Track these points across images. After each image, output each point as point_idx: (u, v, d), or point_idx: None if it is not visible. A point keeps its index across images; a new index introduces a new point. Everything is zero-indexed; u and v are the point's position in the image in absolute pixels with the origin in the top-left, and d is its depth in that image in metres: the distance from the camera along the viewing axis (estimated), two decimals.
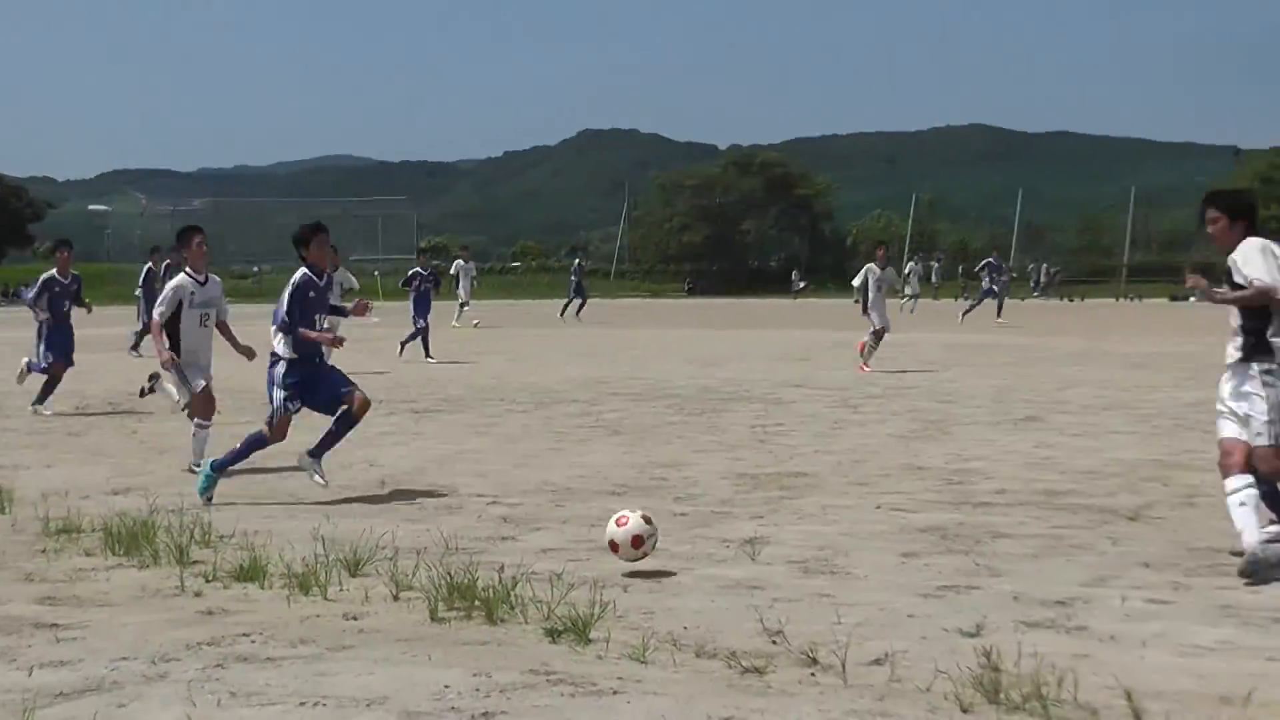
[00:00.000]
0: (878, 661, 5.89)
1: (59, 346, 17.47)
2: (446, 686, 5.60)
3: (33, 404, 16.92)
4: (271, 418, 10.60)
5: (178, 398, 12.78)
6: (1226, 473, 7.68)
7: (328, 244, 10.97)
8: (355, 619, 6.82)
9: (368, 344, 28.74)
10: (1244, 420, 7.67)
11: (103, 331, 30.19)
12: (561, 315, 46.65)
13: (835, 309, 55.45)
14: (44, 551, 8.51)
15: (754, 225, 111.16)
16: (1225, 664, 5.86)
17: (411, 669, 5.89)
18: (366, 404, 10.64)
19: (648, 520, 7.79)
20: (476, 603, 6.88)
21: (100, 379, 22.11)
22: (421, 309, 27.12)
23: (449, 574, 7.24)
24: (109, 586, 7.59)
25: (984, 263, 44.67)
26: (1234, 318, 7.80)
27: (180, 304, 11.87)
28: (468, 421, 15.79)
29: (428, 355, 26.18)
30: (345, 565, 7.81)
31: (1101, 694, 5.37)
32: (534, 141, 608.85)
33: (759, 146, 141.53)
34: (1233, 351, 7.78)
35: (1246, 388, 7.69)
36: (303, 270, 10.69)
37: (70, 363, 17.76)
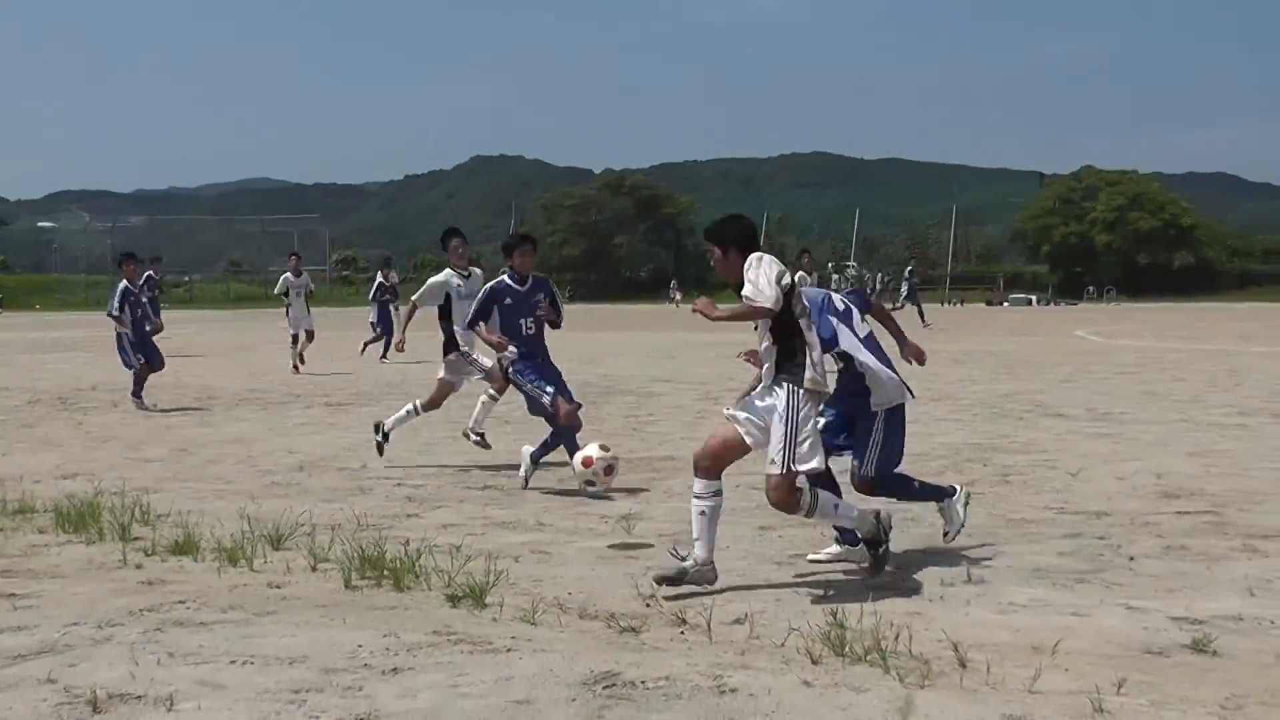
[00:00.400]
0: (739, 621, 5.95)
1: (150, 349, 16.94)
2: (360, 646, 5.57)
3: (131, 394, 16.61)
4: (546, 407, 10.10)
5: (478, 373, 11.79)
6: (699, 472, 6.66)
7: (532, 254, 10.57)
8: (278, 588, 6.75)
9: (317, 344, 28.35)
10: (759, 436, 6.54)
11: (56, 334, 29.48)
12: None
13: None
14: (2, 530, 8.31)
15: (626, 240, 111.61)
16: (1036, 619, 5.99)
17: (329, 631, 5.85)
18: (573, 414, 10.03)
19: (604, 448, 8.52)
20: (385, 572, 6.84)
21: (51, 376, 21.63)
22: (384, 317, 26.37)
23: (361, 548, 7.19)
24: (60, 560, 7.44)
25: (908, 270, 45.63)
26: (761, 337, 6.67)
27: (449, 298, 11.52)
28: (375, 413, 15.62)
29: (383, 357, 25.70)
30: (269, 540, 7.72)
31: (933, 646, 5.48)
32: (431, 166, 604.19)
33: (629, 170, 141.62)
34: (768, 369, 6.60)
35: (771, 402, 6.51)
36: (503, 276, 10.44)
37: (161, 364, 17.34)
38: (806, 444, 6.45)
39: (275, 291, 23.52)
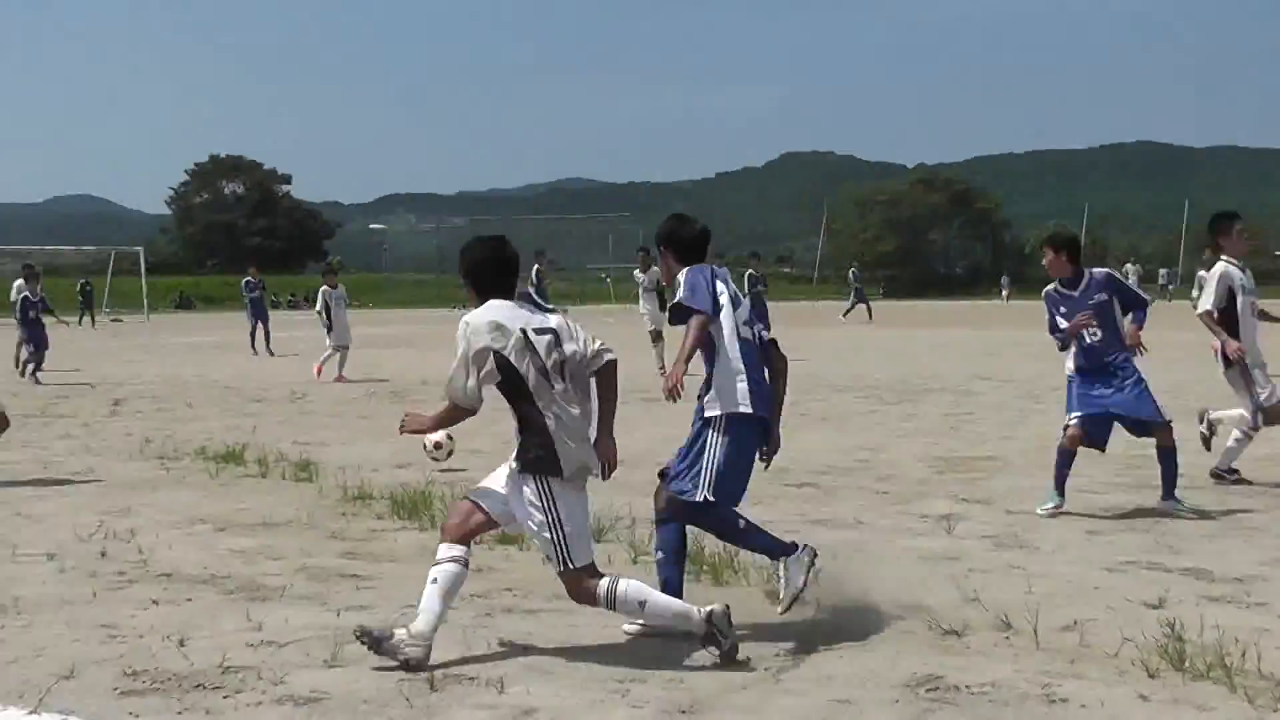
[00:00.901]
0: (1067, 628, 5.76)
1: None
2: (684, 636, 5.65)
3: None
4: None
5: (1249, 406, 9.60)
6: (442, 533, 5.69)
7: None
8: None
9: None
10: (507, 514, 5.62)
11: (388, 330, 31.04)
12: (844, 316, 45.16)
13: (1025, 311, 54.19)
14: (344, 515, 8.82)
15: (939, 235, 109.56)
16: None
17: None
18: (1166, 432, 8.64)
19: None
20: (705, 567, 6.93)
21: (386, 371, 22.79)
22: None
23: None
24: (396, 545, 7.83)
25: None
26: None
27: (1231, 293, 9.61)
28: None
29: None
30: (591, 533, 7.89)
31: None
32: (742, 164, 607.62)
33: (943, 164, 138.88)
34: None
35: (521, 489, 5.54)
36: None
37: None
38: (577, 535, 5.56)
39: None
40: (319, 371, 20.94)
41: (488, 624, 5.95)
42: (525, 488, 5.49)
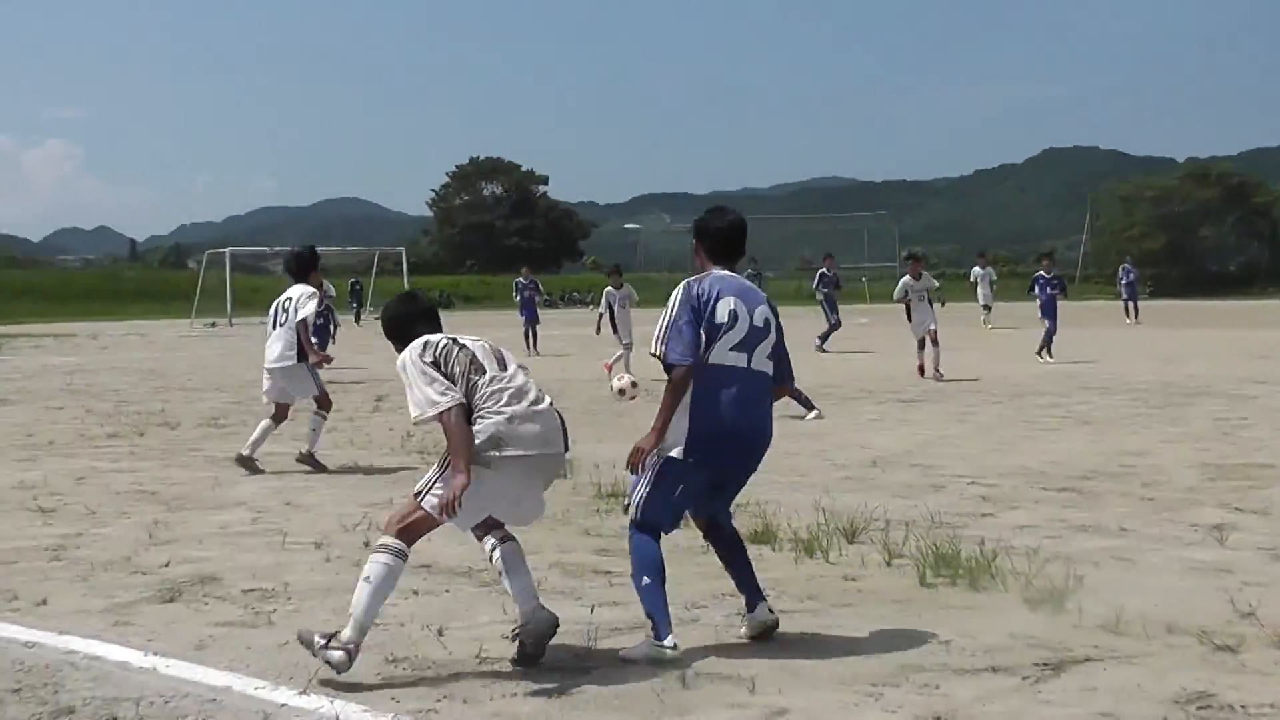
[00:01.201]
0: None
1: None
2: (936, 644, 5.58)
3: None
4: None
5: None
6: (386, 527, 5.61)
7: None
8: (853, 580, 6.86)
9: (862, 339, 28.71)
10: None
11: (643, 330, 31.35)
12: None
13: None
14: (598, 512, 8.97)
15: (1211, 232, 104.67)
16: None
17: (905, 627, 5.89)
18: None
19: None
20: (960, 572, 6.79)
21: (640, 369, 23.06)
22: (1050, 312, 25.11)
23: (935, 545, 7.18)
24: None
25: None
26: None
27: None
28: (948, 410, 15.56)
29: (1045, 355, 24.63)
30: (844, 534, 7.86)
31: None
32: (1001, 160, 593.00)
33: (1216, 158, 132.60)
34: None
35: None
36: None
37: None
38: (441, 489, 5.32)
39: (896, 297, 22.44)
40: (609, 369, 21.07)
41: (739, 623, 5.96)
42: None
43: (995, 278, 39.79)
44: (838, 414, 15.31)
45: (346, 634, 5.18)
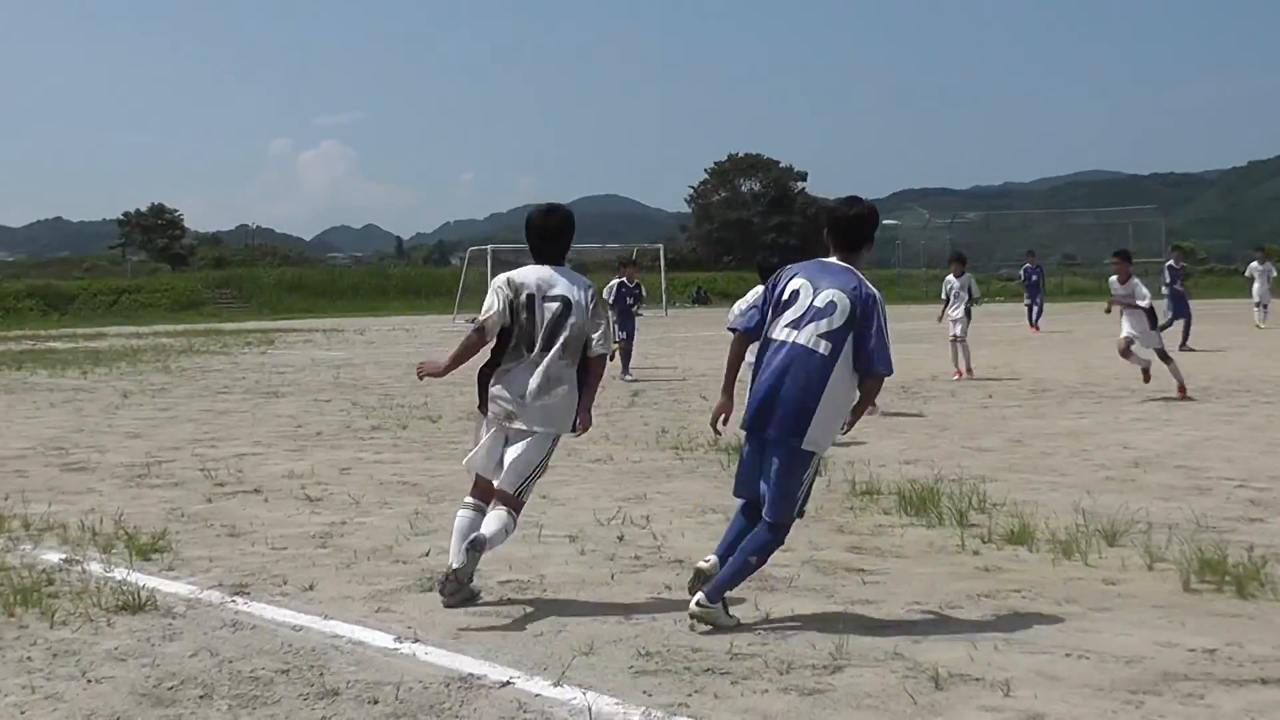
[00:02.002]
0: None
1: None
2: (1201, 652, 5.36)
3: None
4: None
5: None
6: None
7: None
8: (1113, 584, 6.65)
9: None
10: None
11: (903, 326, 30.99)
12: None
13: None
14: (851, 509, 8.91)
15: None
16: None
17: (1167, 634, 5.68)
18: None
19: None
20: (1227, 578, 6.51)
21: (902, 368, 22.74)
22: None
23: (1200, 550, 6.92)
24: (902, 541, 7.83)
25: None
26: None
27: None
28: (1214, 410, 14.89)
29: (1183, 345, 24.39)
30: (1103, 535, 7.62)
31: None
32: (1278, 150, 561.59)
33: None
34: None
35: None
36: None
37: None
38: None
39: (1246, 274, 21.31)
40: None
41: (994, 625, 5.85)
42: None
43: (1276, 273, 37.78)
44: (1099, 413, 14.82)
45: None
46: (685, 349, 30.13)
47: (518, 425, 6.51)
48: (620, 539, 8.00)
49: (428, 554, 7.61)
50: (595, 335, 6.52)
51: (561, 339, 6.46)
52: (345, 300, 69.57)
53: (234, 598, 6.62)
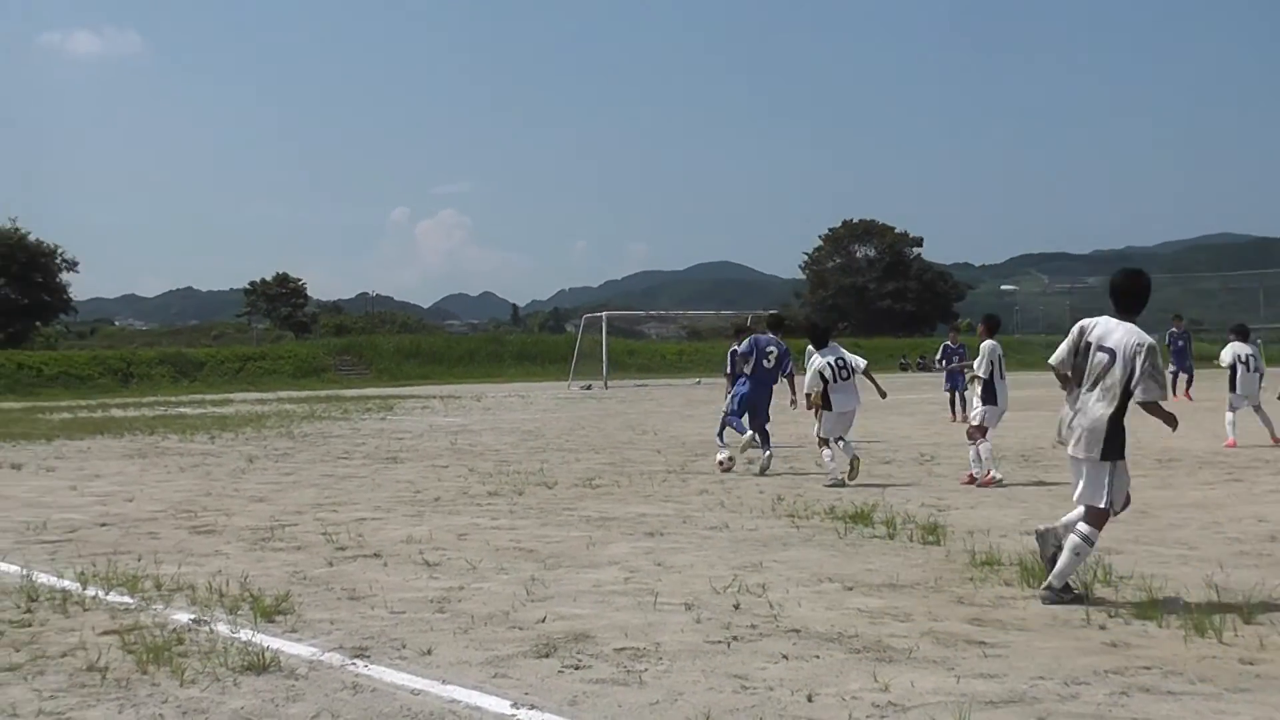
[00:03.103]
0: None
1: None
2: None
3: None
4: None
5: None
6: None
7: None
8: (1250, 664, 6.43)
9: None
10: None
11: (1021, 394, 30.58)
12: None
13: None
14: (971, 580, 8.74)
15: None
16: None
17: None
18: None
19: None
20: None
21: (1016, 435, 22.46)
22: None
23: None
24: (1025, 614, 7.65)
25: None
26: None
27: None
28: None
29: None
30: (1238, 612, 7.38)
31: None
32: None
33: None
34: None
35: None
36: None
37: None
38: None
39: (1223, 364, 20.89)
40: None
41: (1124, 703, 5.69)
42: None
43: None
44: (1231, 484, 14.42)
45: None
46: (800, 415, 29.88)
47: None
48: (736, 607, 7.93)
49: (544, 620, 7.62)
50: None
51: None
52: (462, 367, 70.43)
53: (354, 660, 6.68)
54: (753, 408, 17.43)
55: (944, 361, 29.11)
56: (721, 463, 16.85)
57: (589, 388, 51.24)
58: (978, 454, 14.69)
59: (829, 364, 15.38)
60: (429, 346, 76.45)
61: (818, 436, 16.08)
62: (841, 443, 15.42)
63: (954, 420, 27.54)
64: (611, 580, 8.96)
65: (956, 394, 28.11)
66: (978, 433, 14.91)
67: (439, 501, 13.87)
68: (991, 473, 14.76)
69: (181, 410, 36.41)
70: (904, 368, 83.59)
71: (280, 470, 17.71)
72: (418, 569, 9.51)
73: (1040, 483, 14.87)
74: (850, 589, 8.49)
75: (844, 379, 15.40)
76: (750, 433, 17.04)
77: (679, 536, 11.03)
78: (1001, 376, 15.11)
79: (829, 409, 15.42)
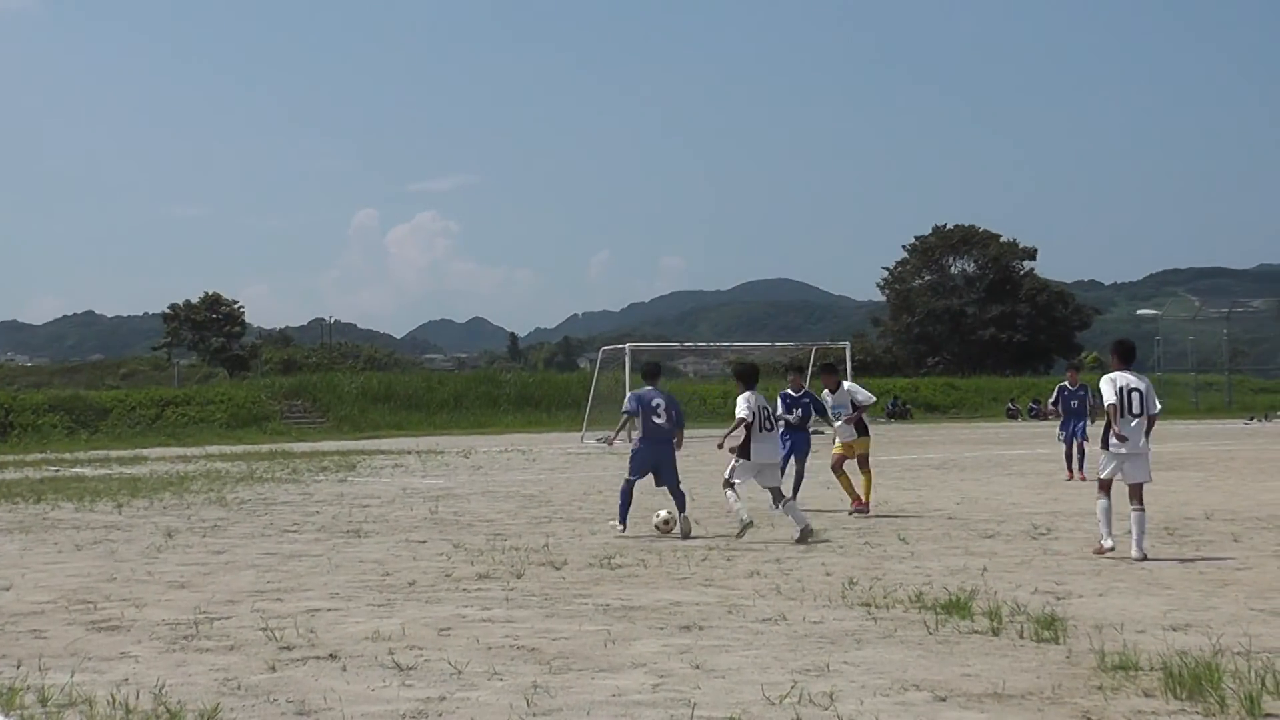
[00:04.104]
0: None
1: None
2: None
3: None
4: None
5: None
6: None
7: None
8: None
9: None
10: None
11: (1165, 448, 30.51)
12: None
13: None
14: (1101, 688, 8.70)
15: None
16: None
17: None
18: None
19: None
20: None
21: (1164, 499, 22.34)
22: None
23: None
24: None
25: None
26: None
27: None
28: None
29: None
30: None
31: None
32: None
33: None
34: None
35: None
36: None
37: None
38: None
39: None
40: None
41: None
42: None
43: None
44: None
45: None
46: (881, 477, 29.89)
47: None
48: None
49: None
50: None
51: None
52: (445, 414, 70.55)
53: None
54: (655, 469, 19.03)
55: (1057, 406, 28.94)
56: (658, 527, 18.42)
57: (609, 441, 51.09)
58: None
59: (761, 408, 17.63)
60: (403, 388, 76.60)
61: (724, 479, 17.93)
62: (786, 505, 17.34)
63: (1071, 478, 27.55)
64: (636, 688, 8.94)
65: (1075, 445, 28.07)
66: (1101, 491, 14.99)
67: (414, 587, 13.87)
68: (1103, 540, 14.84)
69: (79, 470, 36.56)
70: (1012, 415, 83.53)
71: (209, 548, 17.75)
72: (386, 674, 9.50)
73: (1190, 563, 14.80)
74: (943, 699, 8.46)
75: (767, 429, 17.68)
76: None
77: (723, 631, 11.01)
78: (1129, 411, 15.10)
79: (746, 457, 17.46)
